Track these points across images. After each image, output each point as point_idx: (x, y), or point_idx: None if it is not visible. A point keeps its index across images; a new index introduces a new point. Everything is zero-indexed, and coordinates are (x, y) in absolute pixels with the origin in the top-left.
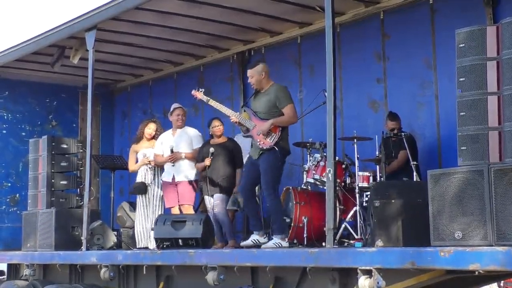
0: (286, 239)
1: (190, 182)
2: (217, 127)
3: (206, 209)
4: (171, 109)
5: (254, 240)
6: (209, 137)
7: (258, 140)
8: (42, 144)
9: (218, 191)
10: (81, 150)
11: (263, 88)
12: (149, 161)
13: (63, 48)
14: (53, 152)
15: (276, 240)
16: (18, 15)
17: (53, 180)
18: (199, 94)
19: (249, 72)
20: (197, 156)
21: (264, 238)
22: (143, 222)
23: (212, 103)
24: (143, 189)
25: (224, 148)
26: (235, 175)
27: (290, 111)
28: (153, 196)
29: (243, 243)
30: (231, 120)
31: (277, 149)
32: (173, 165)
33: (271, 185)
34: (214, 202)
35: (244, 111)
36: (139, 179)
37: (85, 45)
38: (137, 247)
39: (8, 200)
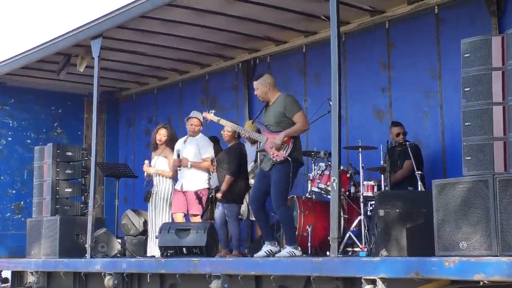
0: (299, 248)
1: (197, 191)
2: (224, 132)
3: (211, 217)
4: (189, 115)
5: (268, 251)
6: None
7: (272, 153)
8: (47, 151)
9: (226, 201)
10: (86, 158)
11: (270, 100)
12: (145, 170)
13: (68, 56)
14: (58, 160)
15: (289, 249)
16: (24, 22)
17: (57, 188)
18: (209, 116)
19: (254, 85)
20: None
21: (276, 247)
22: (151, 230)
23: (223, 122)
24: (146, 197)
25: (225, 155)
26: (240, 181)
27: (301, 118)
28: (159, 203)
29: (256, 255)
30: (242, 136)
31: (290, 160)
32: (180, 169)
33: (281, 196)
34: (225, 212)
35: (252, 122)
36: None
37: (91, 53)
38: (147, 255)
39: (13, 207)
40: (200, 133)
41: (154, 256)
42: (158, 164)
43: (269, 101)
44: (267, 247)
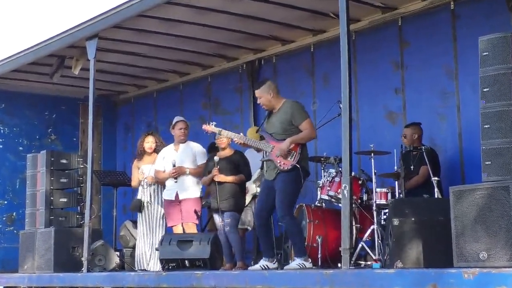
0: (309, 260)
1: (194, 199)
2: (221, 139)
3: (215, 227)
4: (173, 122)
5: (263, 265)
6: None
7: (278, 161)
8: (41, 159)
9: (227, 209)
10: (82, 166)
11: (274, 107)
12: (144, 178)
13: (62, 58)
14: (52, 168)
15: (299, 261)
16: (16, 23)
17: (52, 198)
18: (210, 128)
19: (257, 93)
20: (204, 171)
21: (274, 264)
22: (143, 242)
23: (224, 133)
24: (138, 206)
25: (229, 162)
26: (242, 191)
27: (308, 125)
28: (154, 215)
29: (250, 268)
30: (247, 145)
31: (299, 166)
32: (176, 181)
33: (286, 205)
34: (225, 221)
35: (257, 132)
36: (138, 196)
37: (86, 55)
38: (136, 268)
39: (4, 219)
40: (188, 140)
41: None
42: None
43: (274, 109)
44: (264, 262)
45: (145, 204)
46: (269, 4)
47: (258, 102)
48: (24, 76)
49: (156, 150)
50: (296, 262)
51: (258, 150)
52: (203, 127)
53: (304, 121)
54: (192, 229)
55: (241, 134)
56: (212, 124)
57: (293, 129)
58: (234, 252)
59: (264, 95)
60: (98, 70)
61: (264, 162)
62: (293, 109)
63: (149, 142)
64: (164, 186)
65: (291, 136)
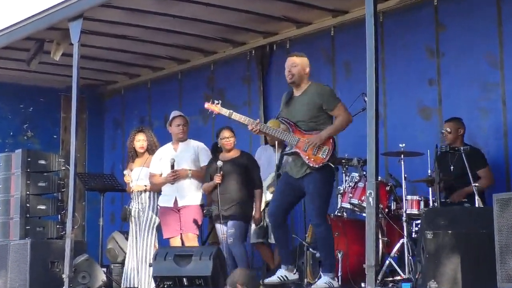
0: (336, 279)
1: (195, 207)
2: (226, 139)
3: (218, 240)
4: (170, 117)
5: (282, 276)
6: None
7: (307, 157)
8: (15, 159)
9: (232, 218)
10: (63, 168)
11: (299, 86)
12: (131, 185)
13: (41, 41)
14: (28, 170)
15: (326, 279)
16: None
17: (28, 205)
18: (216, 108)
19: (295, 59)
20: (205, 176)
21: (294, 274)
22: (132, 257)
23: (237, 117)
24: (124, 215)
25: (236, 165)
26: (251, 198)
27: (343, 110)
28: (145, 225)
29: (267, 280)
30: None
31: (333, 166)
32: (173, 183)
33: (322, 212)
34: (228, 231)
35: (276, 118)
36: (131, 203)
37: (69, 38)
38: (122, 287)
39: None
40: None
41: None
42: (145, 177)
43: (297, 89)
44: (282, 272)
45: (134, 212)
46: None
47: (288, 70)
48: None
49: (149, 150)
50: (323, 280)
51: (278, 143)
52: (205, 106)
53: (337, 105)
54: (192, 241)
55: (258, 120)
56: (217, 104)
57: (323, 115)
58: None
59: (302, 65)
60: (83, 56)
61: (286, 158)
62: (324, 92)
63: (140, 141)
64: (159, 192)
65: (320, 124)
